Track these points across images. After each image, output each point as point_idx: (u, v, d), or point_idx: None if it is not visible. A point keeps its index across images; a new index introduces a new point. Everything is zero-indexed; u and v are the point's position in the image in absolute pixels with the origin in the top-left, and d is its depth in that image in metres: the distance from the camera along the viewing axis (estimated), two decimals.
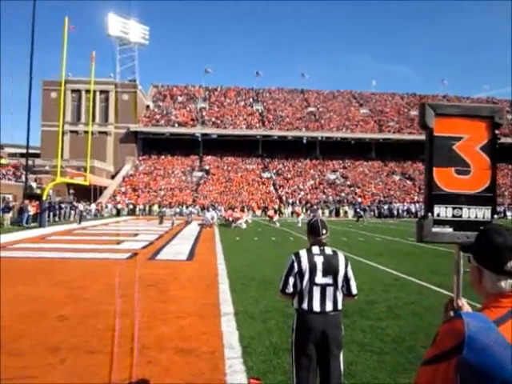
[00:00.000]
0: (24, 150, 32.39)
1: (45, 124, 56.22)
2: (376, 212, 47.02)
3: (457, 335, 1.15)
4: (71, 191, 40.83)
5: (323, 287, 2.98)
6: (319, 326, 2.93)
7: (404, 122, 66.72)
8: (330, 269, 3.00)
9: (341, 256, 3.12)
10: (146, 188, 50.65)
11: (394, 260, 12.21)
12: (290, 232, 23.29)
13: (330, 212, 46.55)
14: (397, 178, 57.44)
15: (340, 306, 3.03)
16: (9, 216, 24.90)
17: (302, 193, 51.79)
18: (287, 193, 51.76)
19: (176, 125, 61.84)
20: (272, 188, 53.40)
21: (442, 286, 8.14)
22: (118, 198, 47.25)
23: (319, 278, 2.99)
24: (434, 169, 1.56)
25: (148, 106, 66.52)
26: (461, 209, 1.57)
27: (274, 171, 57.99)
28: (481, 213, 1.57)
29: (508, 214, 44.50)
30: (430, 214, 1.57)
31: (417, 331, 5.41)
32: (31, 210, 25.39)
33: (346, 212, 46.74)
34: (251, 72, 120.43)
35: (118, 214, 42.50)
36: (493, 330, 1.14)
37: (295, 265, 3.06)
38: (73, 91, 58.42)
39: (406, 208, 47.67)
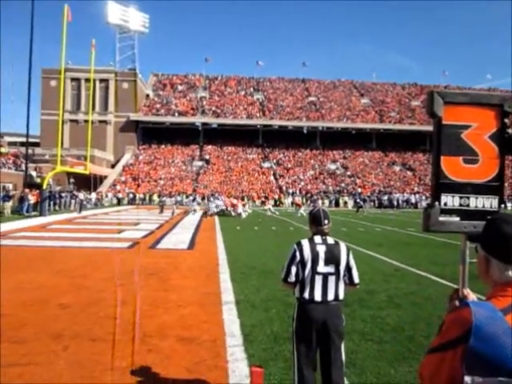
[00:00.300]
0: (24, 139, 32.27)
1: (44, 113, 55.98)
2: (376, 202, 47.06)
3: (464, 324, 1.15)
4: (71, 180, 40.82)
5: (325, 276, 2.99)
6: (320, 316, 2.95)
7: (405, 112, 66.45)
8: (332, 258, 3.01)
9: (343, 245, 3.13)
10: (146, 177, 50.63)
11: (394, 250, 12.24)
12: (291, 222, 23.32)
13: (330, 202, 46.55)
14: (397, 168, 57.39)
15: (342, 296, 3.06)
16: (9, 205, 24.92)
17: (302, 183, 51.79)
18: (287, 183, 51.75)
19: (176, 114, 61.60)
20: (272, 178, 53.39)
21: (442, 276, 8.18)
22: (118, 188, 47.25)
23: (321, 267, 3.00)
24: (442, 157, 1.55)
25: (148, 95, 66.20)
26: (468, 198, 1.56)
27: (275, 161, 57.91)
28: (488, 202, 1.56)
29: (508, 204, 44.44)
30: (437, 203, 1.56)
31: (416, 321, 5.44)
32: (31, 198, 25.40)
33: (345, 202, 46.76)
34: (252, 61, 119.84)
35: (119, 203, 42.55)
36: (500, 319, 1.14)
37: (297, 254, 3.07)
38: (72, 80, 58.08)
39: (405, 199, 47.71)
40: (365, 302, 6.39)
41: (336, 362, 2.97)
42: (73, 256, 10.42)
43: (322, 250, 3.03)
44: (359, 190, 49.89)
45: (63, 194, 32.26)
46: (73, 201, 32.96)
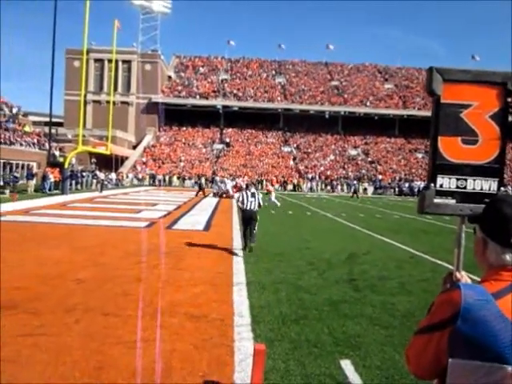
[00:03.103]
0: (48, 119, 32.81)
1: (68, 93, 56.64)
2: (396, 190, 46.39)
3: (453, 306, 1.13)
4: (93, 160, 41.43)
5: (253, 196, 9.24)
6: (249, 214, 9.04)
7: (430, 98, 64.68)
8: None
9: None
10: (166, 159, 51.03)
11: (411, 237, 12.11)
12: (307, 207, 23.26)
13: (349, 188, 46.06)
14: (419, 155, 56.28)
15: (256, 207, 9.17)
16: (32, 183, 25.54)
17: (322, 168, 51.39)
18: (306, 167, 51.43)
19: (197, 96, 61.57)
20: (292, 162, 53.13)
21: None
22: (139, 168, 47.83)
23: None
24: (439, 138, 1.49)
25: (170, 77, 66.23)
26: (465, 180, 1.51)
27: (295, 145, 57.55)
28: (487, 184, 1.51)
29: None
30: (432, 184, 1.52)
31: (427, 308, 5.39)
32: (51, 177, 25.95)
33: (365, 189, 46.23)
34: (274, 44, 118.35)
35: (139, 183, 43.13)
36: (490, 303, 1.12)
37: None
38: (96, 60, 58.43)
39: None
40: (376, 288, 6.37)
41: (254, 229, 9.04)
42: (91, 234, 10.64)
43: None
44: (380, 176, 49.24)
45: (85, 174, 32.81)
46: (94, 180, 33.53)
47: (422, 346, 1.20)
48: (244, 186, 10.28)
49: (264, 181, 45.92)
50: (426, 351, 1.19)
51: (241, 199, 9.35)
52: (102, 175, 31.78)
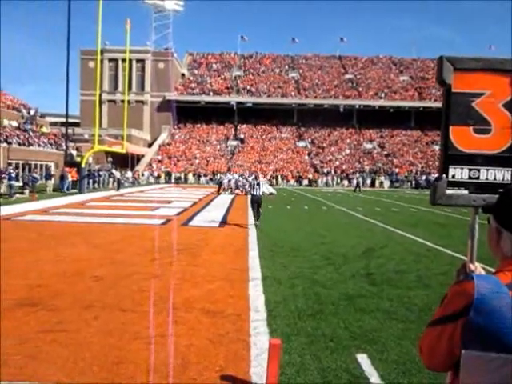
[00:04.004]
0: (64, 119, 33.32)
1: (83, 93, 57.37)
2: (413, 183, 45.83)
3: (466, 297, 1.11)
4: (109, 159, 41.92)
5: (259, 185, 12.44)
6: (256, 198, 12.33)
7: None
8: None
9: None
10: (181, 156, 51.32)
11: (428, 231, 11.96)
12: (323, 201, 23.15)
13: (364, 182, 45.64)
14: (437, 147, 55.44)
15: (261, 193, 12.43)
16: (51, 183, 25.98)
17: (337, 162, 51.07)
18: (322, 162, 51.17)
19: (211, 93, 61.71)
20: (307, 157, 52.91)
21: (476, 258, 7.93)
22: (155, 166, 48.23)
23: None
24: (451, 127, 1.47)
25: (183, 74, 66.53)
26: (478, 170, 1.48)
27: (309, 140, 57.29)
28: (500, 174, 1.48)
29: None
30: (444, 175, 1.49)
31: None
32: (69, 176, 26.36)
33: (381, 182, 45.81)
34: (287, 38, 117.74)
35: (155, 181, 43.52)
36: (504, 294, 1.10)
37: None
38: (110, 60, 59.01)
39: None
40: (393, 282, 6.32)
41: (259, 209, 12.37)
42: (108, 231, 10.79)
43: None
44: (396, 169, 48.71)
45: (101, 173, 33.24)
46: (111, 179, 33.94)
47: (436, 338, 1.19)
48: (253, 178, 13.65)
49: (279, 176, 45.88)
50: (439, 343, 1.18)
51: (250, 187, 13.61)
52: (118, 174, 32.10)
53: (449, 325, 1.15)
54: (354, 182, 38.29)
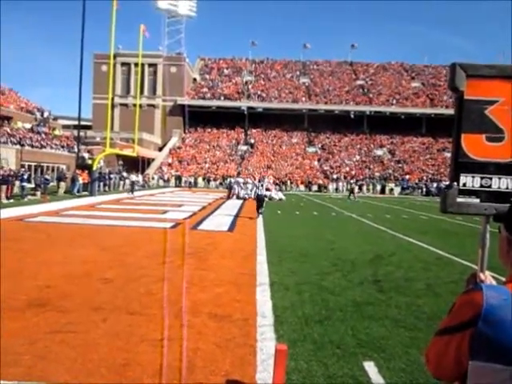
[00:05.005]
0: (77, 122, 33.69)
1: (96, 97, 57.95)
2: (424, 190, 45.42)
3: (474, 307, 1.10)
4: (120, 162, 42.22)
5: (262, 186, 16.94)
6: (260, 196, 16.43)
7: None
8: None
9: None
10: (191, 160, 51.52)
11: (439, 239, 11.84)
12: (332, 207, 23.07)
13: (373, 189, 45.38)
14: (448, 154, 54.95)
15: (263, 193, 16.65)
16: (63, 184, 26.22)
17: (347, 168, 50.87)
18: (332, 168, 51.01)
19: (222, 98, 61.96)
20: (316, 163, 52.80)
21: (487, 267, 7.83)
22: (165, 170, 48.46)
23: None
24: (462, 135, 1.45)
25: (195, 79, 66.91)
26: (490, 179, 1.46)
27: (320, 146, 57.17)
28: None
29: None
30: (455, 183, 1.48)
31: None
32: (80, 179, 26.57)
33: (391, 189, 45.48)
34: (299, 44, 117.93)
35: (165, 185, 43.68)
36: None
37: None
38: (123, 64, 59.57)
39: None
40: (402, 289, 6.27)
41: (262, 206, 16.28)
42: (118, 234, 10.85)
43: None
44: (407, 176, 48.36)
45: (112, 176, 33.45)
46: (121, 182, 34.11)
47: (443, 348, 1.18)
48: (258, 180, 18.40)
49: (288, 181, 45.84)
50: (446, 353, 1.16)
51: (255, 187, 17.68)
52: (133, 177, 31.81)
53: (456, 335, 1.13)
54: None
